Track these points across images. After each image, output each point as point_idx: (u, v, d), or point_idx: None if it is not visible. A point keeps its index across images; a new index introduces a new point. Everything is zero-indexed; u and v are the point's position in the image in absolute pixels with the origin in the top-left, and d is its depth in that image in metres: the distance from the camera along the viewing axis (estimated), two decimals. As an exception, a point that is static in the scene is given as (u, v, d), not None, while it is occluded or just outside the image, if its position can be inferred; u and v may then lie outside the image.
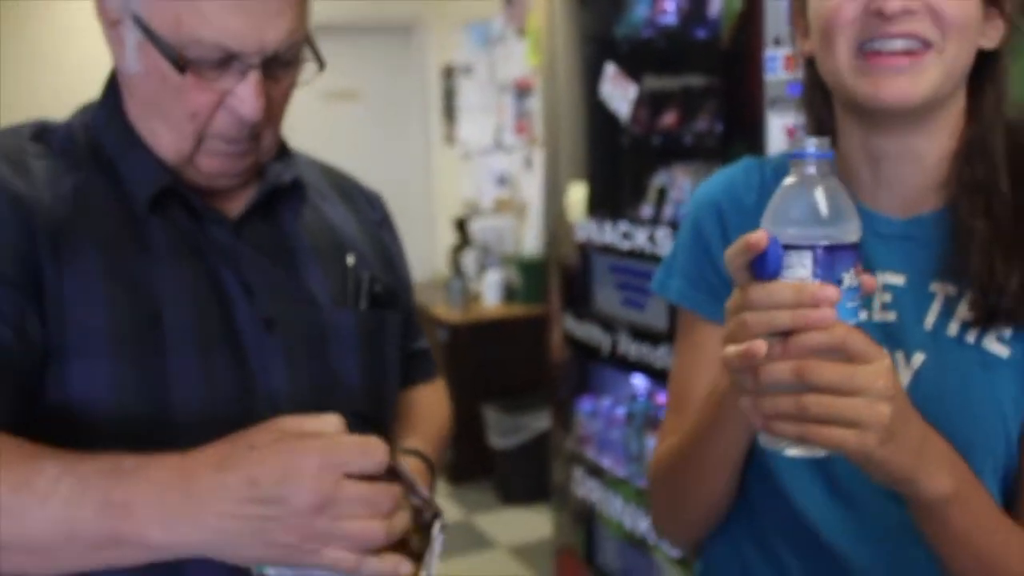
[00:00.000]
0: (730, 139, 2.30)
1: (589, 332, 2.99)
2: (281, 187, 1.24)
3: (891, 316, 1.06)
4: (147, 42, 1.07)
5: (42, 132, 1.19)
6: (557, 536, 3.36)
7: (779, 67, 2.08)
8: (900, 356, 1.04)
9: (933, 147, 1.05)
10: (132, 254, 1.12)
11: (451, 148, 6.25)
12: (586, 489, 3.08)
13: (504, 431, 4.68)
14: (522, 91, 5.17)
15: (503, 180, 5.54)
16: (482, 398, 4.78)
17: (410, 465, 1.25)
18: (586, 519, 3.11)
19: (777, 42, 2.08)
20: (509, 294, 5.05)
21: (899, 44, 0.96)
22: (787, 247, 0.83)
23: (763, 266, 0.83)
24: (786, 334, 0.82)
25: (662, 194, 2.81)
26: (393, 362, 1.34)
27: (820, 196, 0.83)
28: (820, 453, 0.85)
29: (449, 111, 6.23)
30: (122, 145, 1.17)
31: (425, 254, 6.39)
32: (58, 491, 0.89)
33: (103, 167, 1.16)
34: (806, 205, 0.83)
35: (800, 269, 0.82)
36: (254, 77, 1.08)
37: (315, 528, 0.87)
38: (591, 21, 2.99)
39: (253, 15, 1.05)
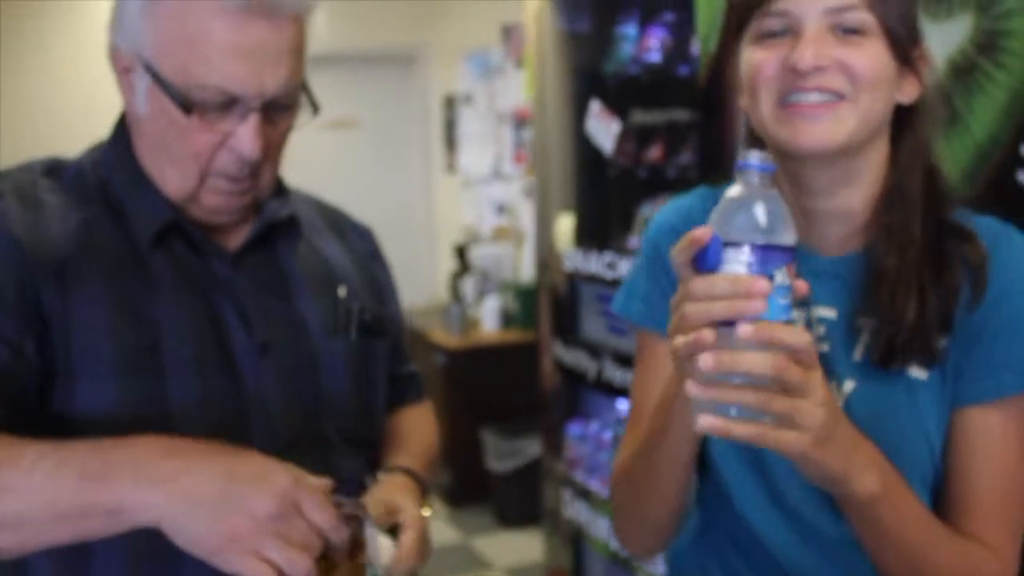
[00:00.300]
0: (708, 172, 2.39)
1: (576, 358, 3.07)
2: (278, 223, 1.33)
3: (824, 347, 1.14)
4: (156, 87, 1.16)
5: (54, 168, 1.28)
6: (548, 558, 3.43)
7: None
8: (833, 385, 1.12)
9: (856, 199, 1.13)
10: (135, 285, 1.20)
11: (452, 176, 6.35)
12: (574, 511, 3.15)
13: (501, 455, 4.75)
14: (520, 121, 5.27)
15: (502, 208, 5.64)
16: (480, 422, 4.86)
17: (399, 482, 1.33)
18: (575, 540, 3.19)
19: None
20: (507, 320, 5.13)
21: (814, 97, 1.04)
22: (725, 244, 0.90)
23: (704, 260, 0.91)
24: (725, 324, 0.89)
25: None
26: (380, 386, 1.42)
27: (759, 202, 0.91)
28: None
29: (450, 140, 6.33)
30: (129, 183, 1.25)
31: (426, 280, 6.47)
32: (40, 467, 0.99)
33: (110, 204, 1.24)
34: (746, 210, 0.91)
35: (736, 265, 0.90)
36: (253, 119, 1.17)
37: (261, 532, 0.97)
38: (580, 56, 3.08)
39: (253, 63, 1.15)
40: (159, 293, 1.21)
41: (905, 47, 1.07)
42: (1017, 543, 1.12)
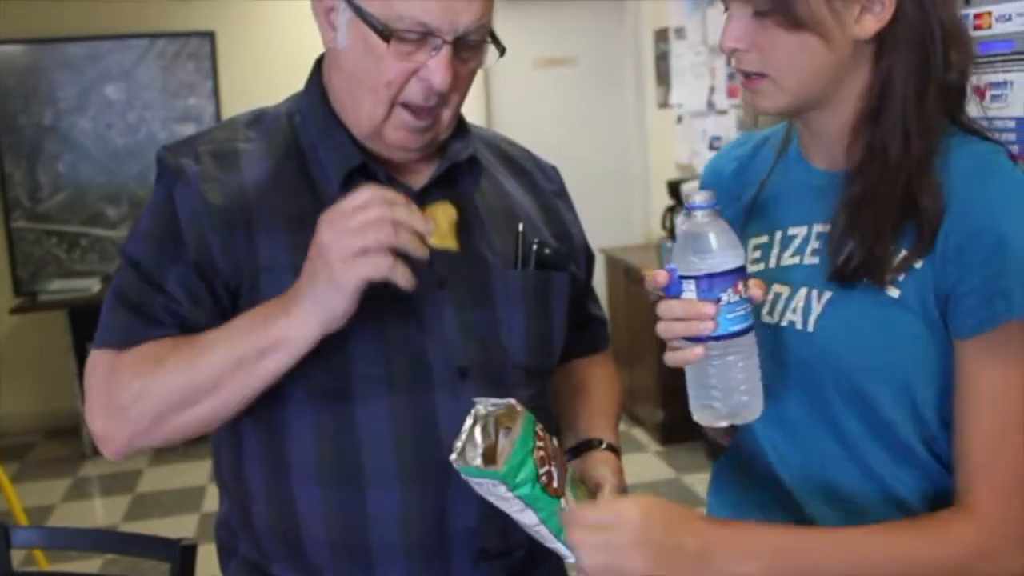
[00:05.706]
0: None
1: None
2: (459, 162, 1.40)
3: (816, 260, 1.23)
4: (356, 19, 1.26)
5: (256, 119, 1.41)
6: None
7: (970, 26, 2.05)
8: (815, 293, 1.21)
9: (834, 123, 1.22)
10: (315, 226, 1.28)
11: (665, 111, 6.28)
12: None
13: (714, 392, 4.73)
14: (734, 53, 5.13)
15: (716, 142, 5.54)
16: (692, 359, 4.84)
17: (601, 457, 1.39)
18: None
19: (967, 1, 2.06)
20: (720, 256, 5.05)
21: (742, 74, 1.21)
22: (681, 276, 1.10)
23: (668, 289, 1.13)
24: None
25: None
26: (559, 319, 1.46)
27: (703, 237, 1.09)
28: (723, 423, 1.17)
29: (662, 75, 6.25)
30: (321, 128, 1.36)
31: (641, 216, 6.48)
32: (219, 337, 1.22)
33: (299, 149, 1.36)
34: (694, 244, 1.10)
35: (688, 293, 1.10)
36: (445, 52, 1.25)
37: (348, 232, 1.15)
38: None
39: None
40: None
41: (805, 18, 1.12)
42: (1011, 503, 1.10)
